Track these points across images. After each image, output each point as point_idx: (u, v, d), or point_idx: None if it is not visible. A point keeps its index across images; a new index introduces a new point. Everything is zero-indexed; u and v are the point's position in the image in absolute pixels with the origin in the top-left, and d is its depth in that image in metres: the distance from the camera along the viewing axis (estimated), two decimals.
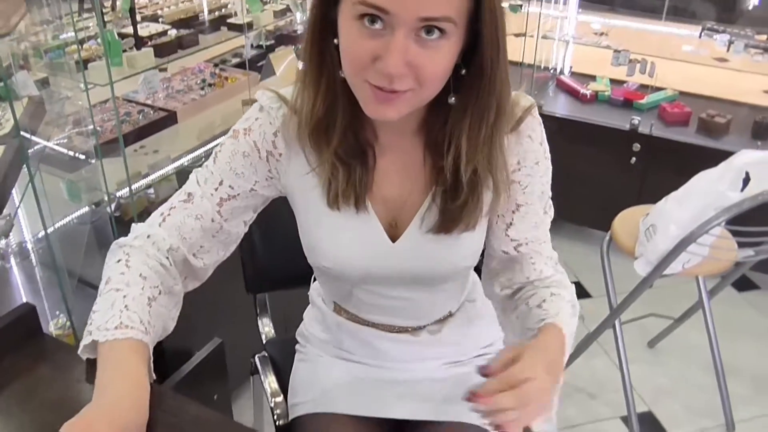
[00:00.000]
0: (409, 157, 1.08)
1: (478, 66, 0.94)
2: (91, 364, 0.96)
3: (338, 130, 1.01)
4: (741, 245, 1.97)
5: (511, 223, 1.14)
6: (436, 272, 1.14)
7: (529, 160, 1.10)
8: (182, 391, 1.14)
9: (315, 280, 1.39)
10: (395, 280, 1.15)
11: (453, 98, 0.97)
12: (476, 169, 1.02)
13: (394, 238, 1.10)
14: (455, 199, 1.04)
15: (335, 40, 0.95)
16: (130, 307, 0.94)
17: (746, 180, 1.85)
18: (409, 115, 0.98)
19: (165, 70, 2.48)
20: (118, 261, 1.01)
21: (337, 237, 1.09)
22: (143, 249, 1.03)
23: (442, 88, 0.96)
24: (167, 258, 1.04)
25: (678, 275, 2.00)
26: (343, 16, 0.91)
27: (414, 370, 1.29)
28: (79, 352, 0.96)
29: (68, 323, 1.76)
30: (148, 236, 1.04)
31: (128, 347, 0.91)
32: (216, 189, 1.06)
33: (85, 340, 0.93)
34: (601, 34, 3.26)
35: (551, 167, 1.15)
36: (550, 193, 1.16)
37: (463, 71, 0.96)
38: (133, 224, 1.07)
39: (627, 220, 2.14)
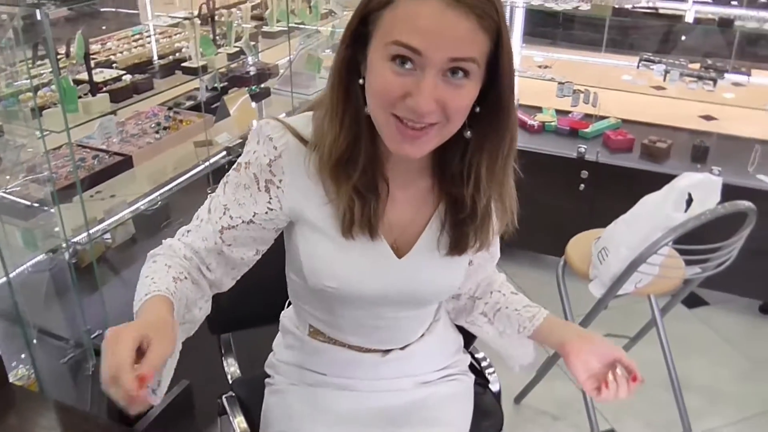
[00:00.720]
0: (418, 187, 1.17)
1: (495, 102, 1.03)
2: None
3: (359, 166, 1.07)
4: (688, 263, 2.05)
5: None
6: (434, 291, 1.24)
7: None
8: None
9: (288, 306, 1.41)
10: (395, 299, 1.20)
11: (469, 132, 1.06)
12: (490, 197, 1.13)
13: (398, 257, 1.17)
14: (471, 224, 1.14)
15: (360, 80, 1.03)
16: (155, 280, 1.06)
17: (689, 201, 1.94)
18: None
19: (116, 113, 2.49)
20: (149, 267, 1.12)
21: (347, 259, 1.15)
22: (167, 254, 1.14)
23: None
24: (186, 263, 1.14)
25: (631, 295, 2.07)
26: (374, 56, 0.99)
27: (385, 390, 1.33)
28: None
29: (31, 373, 1.73)
30: (170, 246, 1.15)
31: (153, 300, 1.02)
32: (220, 217, 1.15)
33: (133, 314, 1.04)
34: (545, 67, 3.38)
35: None
36: None
37: (478, 108, 1.04)
38: (163, 241, 1.19)
39: (580, 245, 2.21)
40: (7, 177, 1.83)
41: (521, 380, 2.45)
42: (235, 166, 1.16)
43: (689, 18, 2.86)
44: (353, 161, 1.07)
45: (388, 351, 1.30)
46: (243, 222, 1.14)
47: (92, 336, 1.88)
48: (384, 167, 1.12)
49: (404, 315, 1.26)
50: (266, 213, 1.14)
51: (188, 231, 1.17)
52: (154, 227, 2.36)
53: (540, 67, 3.40)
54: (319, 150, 1.08)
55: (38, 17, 1.58)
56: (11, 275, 1.91)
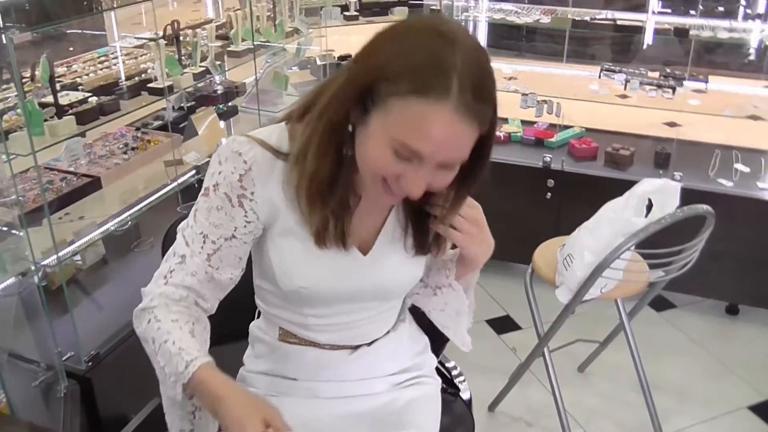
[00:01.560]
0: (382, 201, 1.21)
1: (474, 166, 1.10)
2: None
3: (337, 195, 1.13)
4: (652, 267, 2.10)
5: None
6: (399, 282, 1.29)
7: None
8: None
9: (257, 317, 1.42)
10: (362, 294, 1.25)
11: None
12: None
13: (363, 254, 1.23)
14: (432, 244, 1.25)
15: (349, 126, 1.08)
16: (182, 347, 1.08)
17: (649, 206, 1.99)
18: None
19: (83, 135, 2.49)
20: (149, 321, 1.14)
21: (316, 260, 1.19)
22: (162, 304, 1.14)
23: None
24: (183, 304, 1.16)
25: (598, 299, 2.12)
26: (373, 132, 1.03)
27: (353, 395, 1.35)
28: (179, 396, 1.08)
29: (1, 396, 1.72)
30: (160, 294, 1.15)
31: (205, 370, 1.06)
32: (202, 246, 1.17)
33: (177, 388, 1.07)
34: (511, 78, 3.44)
35: None
36: None
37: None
38: (142, 289, 1.19)
39: (546, 252, 2.25)
40: None
41: (495, 388, 2.48)
42: (202, 192, 1.17)
43: (648, 29, 2.94)
44: (331, 191, 1.12)
45: (356, 348, 1.33)
46: (225, 240, 1.18)
47: (63, 358, 1.88)
48: (356, 186, 1.18)
49: (371, 311, 1.30)
50: (245, 226, 1.18)
51: (171, 271, 1.17)
52: (124, 248, 2.37)
53: (507, 78, 3.46)
54: (297, 170, 1.12)
55: (3, 41, 1.59)
56: None
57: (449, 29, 1.00)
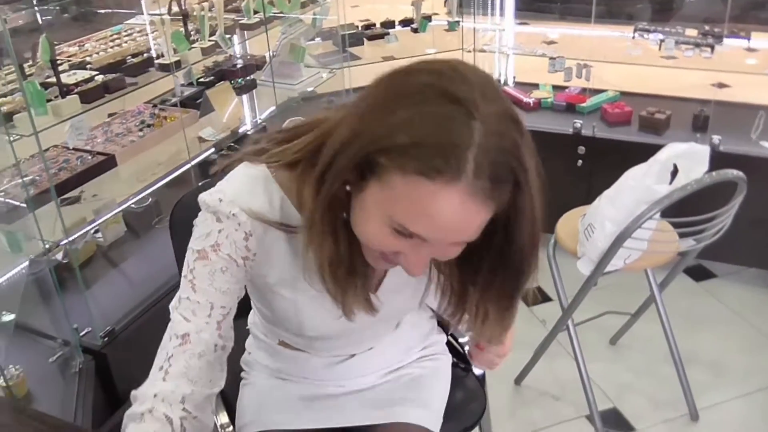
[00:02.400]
0: None
1: (504, 252, 0.94)
2: None
3: (360, 270, 1.00)
4: (682, 235, 2.00)
5: None
6: (405, 310, 1.25)
7: None
8: None
9: (254, 314, 1.40)
10: (364, 325, 1.14)
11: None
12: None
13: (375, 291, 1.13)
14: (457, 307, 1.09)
15: (347, 187, 0.91)
16: None
17: (674, 172, 1.89)
18: None
19: (112, 114, 2.51)
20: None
21: (326, 313, 1.10)
22: (154, 416, 0.93)
23: None
24: (183, 410, 0.95)
25: (623, 270, 2.03)
26: (370, 205, 0.88)
27: (356, 376, 1.33)
28: None
29: (20, 372, 1.75)
30: (155, 395, 0.94)
31: None
32: (209, 315, 0.99)
33: None
34: (550, 42, 3.32)
35: None
36: None
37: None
38: (132, 392, 0.98)
39: (568, 222, 2.17)
40: None
41: (522, 361, 2.43)
42: (197, 255, 1.00)
43: None
44: (355, 268, 1.00)
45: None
46: (234, 303, 1.04)
47: (81, 334, 1.91)
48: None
49: (377, 329, 1.27)
50: (247, 281, 1.08)
51: (169, 358, 0.96)
52: (145, 225, 2.38)
53: (545, 43, 3.35)
54: (312, 250, 0.97)
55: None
56: (2, 279, 1.96)
57: (467, 92, 0.83)
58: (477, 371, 1.63)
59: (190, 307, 0.99)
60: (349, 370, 1.31)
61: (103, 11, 3.36)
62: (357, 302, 1.03)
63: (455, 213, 0.83)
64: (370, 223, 0.90)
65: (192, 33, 2.33)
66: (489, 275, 0.99)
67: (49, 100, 1.81)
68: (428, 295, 1.19)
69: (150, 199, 2.34)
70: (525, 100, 3.13)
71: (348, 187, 0.91)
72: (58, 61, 2.00)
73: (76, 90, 1.90)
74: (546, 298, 2.86)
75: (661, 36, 2.85)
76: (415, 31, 3.23)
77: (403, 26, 3.23)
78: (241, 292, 1.06)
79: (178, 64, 2.19)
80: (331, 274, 0.98)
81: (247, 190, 1.02)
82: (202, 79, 2.58)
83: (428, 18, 3.27)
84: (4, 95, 1.87)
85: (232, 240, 1.00)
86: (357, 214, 0.92)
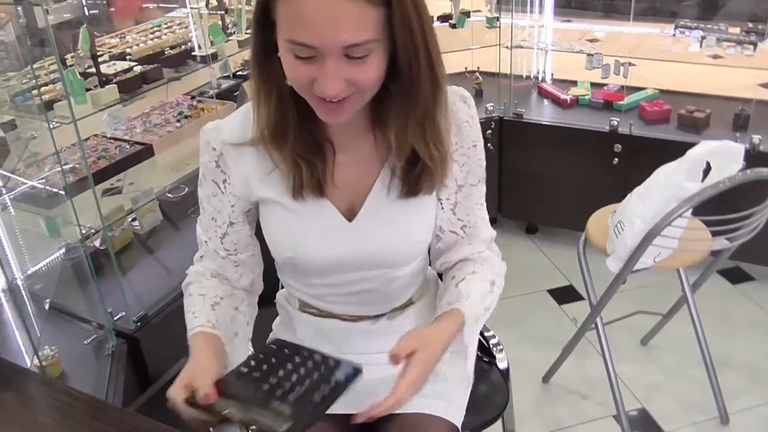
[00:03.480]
0: (362, 147, 1.19)
1: (401, 65, 1.03)
2: None
3: (293, 132, 1.11)
4: (715, 234, 1.96)
5: (456, 203, 1.26)
6: (391, 249, 1.23)
7: (466, 142, 1.22)
8: (152, 410, 1.19)
9: (282, 288, 1.44)
10: (354, 262, 1.22)
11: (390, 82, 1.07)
12: (427, 144, 1.13)
13: (351, 221, 1.20)
14: (411, 171, 1.16)
15: (278, 53, 1.04)
16: (197, 314, 1.20)
17: (707, 170, 1.86)
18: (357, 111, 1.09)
19: (155, 108, 2.57)
20: (189, 295, 1.26)
21: (299, 227, 1.19)
22: (197, 281, 1.27)
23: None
24: (215, 281, 1.28)
25: (653, 268, 2.01)
26: (280, 44, 1.02)
27: (380, 364, 1.33)
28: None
29: (55, 352, 1.81)
30: (195, 272, 1.29)
31: (194, 339, 1.17)
32: (215, 231, 1.25)
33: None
34: (592, 40, 3.28)
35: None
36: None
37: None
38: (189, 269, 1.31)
39: (599, 219, 2.15)
40: (31, 168, 1.92)
41: (551, 359, 2.42)
42: (199, 183, 1.25)
43: None
44: (287, 129, 1.11)
45: (375, 319, 1.32)
46: (227, 225, 1.24)
47: (115, 318, 1.97)
48: (324, 130, 1.16)
49: (376, 280, 1.26)
50: (232, 209, 1.23)
51: (201, 256, 1.29)
52: (181, 213, 2.44)
53: (588, 41, 3.31)
54: (259, 125, 1.13)
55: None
56: (41, 263, 2.03)
57: None
58: (501, 365, 1.64)
59: (203, 222, 1.27)
60: (370, 342, 1.32)
61: (145, 5, 3.44)
62: (310, 186, 1.15)
63: (324, 7, 0.93)
64: (284, 62, 1.02)
65: (229, 26, 2.38)
66: (395, 96, 1.08)
67: (88, 90, 1.87)
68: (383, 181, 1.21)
69: (186, 189, 2.40)
70: (562, 97, 3.10)
71: (279, 54, 1.03)
72: (100, 53, 2.06)
73: (114, 80, 1.95)
74: (578, 297, 2.85)
75: (702, 33, 2.79)
76: (453, 26, 3.22)
77: (441, 22, 3.23)
78: (234, 214, 1.23)
79: (215, 57, 2.24)
80: (268, 136, 1.11)
81: (231, 117, 1.21)
82: (239, 72, 2.63)
83: (467, 14, 3.26)
84: (46, 84, 1.94)
85: (210, 169, 1.20)
86: (283, 65, 1.03)
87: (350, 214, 1.20)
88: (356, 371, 1.07)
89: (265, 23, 1.03)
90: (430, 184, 1.18)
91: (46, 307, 1.91)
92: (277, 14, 0.99)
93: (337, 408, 1.30)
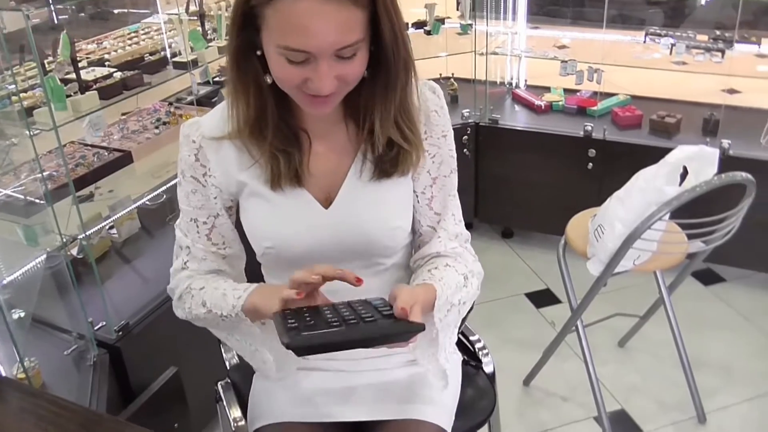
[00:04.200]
0: (336, 136, 1.23)
1: (384, 58, 1.11)
2: None
3: (271, 126, 1.16)
4: (691, 237, 2.01)
5: (432, 196, 1.29)
6: (369, 234, 1.24)
7: (435, 132, 1.27)
8: (140, 421, 1.17)
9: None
10: (334, 251, 1.23)
11: (367, 73, 1.13)
12: (401, 128, 1.19)
13: (328, 208, 1.23)
14: (386, 155, 1.20)
15: (257, 52, 1.09)
16: (226, 291, 1.19)
17: (684, 175, 1.90)
18: None
19: (126, 113, 2.54)
20: (192, 297, 1.24)
21: (278, 216, 1.22)
22: (194, 280, 1.26)
23: None
24: (208, 274, 1.28)
25: (633, 271, 2.04)
26: (267, 48, 1.06)
27: (370, 370, 1.34)
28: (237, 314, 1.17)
29: (35, 364, 1.77)
30: (188, 276, 1.27)
31: (250, 297, 1.16)
32: (197, 231, 1.26)
33: (241, 315, 1.16)
34: (561, 47, 3.33)
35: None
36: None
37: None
38: (168, 287, 1.31)
39: (578, 223, 2.19)
40: (7, 176, 1.88)
41: (531, 362, 2.44)
42: (177, 183, 1.26)
43: None
44: (265, 124, 1.15)
45: None
46: (214, 218, 1.25)
47: (95, 328, 1.93)
48: (300, 120, 1.21)
49: (357, 271, 1.21)
50: (215, 201, 1.24)
51: (185, 263, 1.27)
52: (159, 221, 2.41)
53: (556, 47, 3.36)
54: (236, 121, 1.16)
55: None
56: (18, 272, 1.98)
57: None
58: (487, 369, 1.65)
59: (183, 226, 1.26)
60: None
61: (118, 11, 3.40)
62: (287, 176, 1.18)
63: (315, 13, 0.98)
64: (273, 64, 1.06)
65: (209, 32, 2.36)
66: (374, 83, 1.14)
67: (68, 96, 1.84)
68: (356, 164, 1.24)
69: (164, 196, 2.37)
70: (536, 103, 3.14)
71: (258, 52, 1.09)
72: (78, 58, 2.03)
73: (95, 86, 1.93)
74: (555, 300, 2.88)
75: (672, 41, 2.86)
76: (428, 33, 3.25)
77: (416, 28, 3.25)
78: (218, 206, 1.24)
79: (194, 63, 2.22)
80: (245, 132, 1.15)
81: (210, 113, 1.24)
82: (217, 78, 2.61)
83: (441, 21, 3.29)
84: (25, 90, 1.90)
85: (189, 163, 1.21)
86: (269, 64, 1.08)
87: (327, 203, 1.23)
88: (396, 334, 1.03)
89: (245, 26, 1.07)
90: (406, 166, 1.22)
91: (19, 316, 1.86)
92: (265, 20, 1.03)
93: (345, 416, 1.31)
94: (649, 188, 1.85)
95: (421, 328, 1.02)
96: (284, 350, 1.15)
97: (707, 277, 2.94)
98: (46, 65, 1.96)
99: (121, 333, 1.93)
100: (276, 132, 1.17)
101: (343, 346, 0.99)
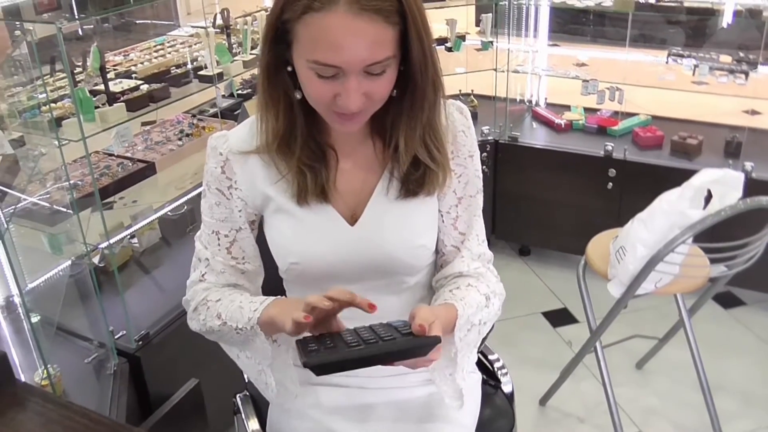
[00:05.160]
0: (363, 153, 1.24)
1: (411, 75, 1.11)
2: None
3: (299, 141, 1.16)
4: (713, 261, 2.00)
5: (457, 216, 1.29)
6: (393, 252, 1.24)
7: (462, 152, 1.27)
8: None
9: None
10: (358, 268, 1.23)
11: (395, 92, 1.13)
12: (428, 147, 1.19)
13: (353, 225, 1.23)
14: (413, 174, 1.20)
15: (288, 68, 1.10)
16: (242, 303, 1.19)
17: (709, 198, 1.89)
18: None
19: (151, 123, 2.57)
20: (207, 308, 1.24)
21: (303, 232, 1.22)
22: (211, 293, 1.25)
23: None
24: (225, 287, 1.28)
25: (653, 294, 2.03)
26: (298, 63, 1.07)
27: (390, 387, 1.34)
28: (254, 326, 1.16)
29: (57, 371, 1.79)
30: (204, 289, 1.26)
31: (266, 310, 1.15)
32: (218, 243, 1.25)
33: (256, 329, 1.15)
34: (581, 65, 3.33)
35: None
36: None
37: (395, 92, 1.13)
38: (184, 299, 1.31)
39: (599, 244, 2.18)
40: (34, 185, 1.90)
41: (547, 382, 2.43)
42: (201, 195, 1.26)
43: (727, 10, 2.78)
44: (294, 139, 1.16)
45: None
46: (236, 231, 1.25)
47: (115, 337, 1.94)
48: (328, 137, 1.21)
49: (382, 290, 1.27)
50: (240, 215, 1.24)
51: (203, 275, 1.27)
52: (180, 232, 2.42)
53: (576, 65, 3.36)
54: (265, 135, 1.17)
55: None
56: (41, 279, 2.00)
57: None
58: (506, 389, 1.64)
59: (204, 238, 1.26)
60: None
61: (140, 22, 3.44)
62: (314, 192, 1.19)
63: (346, 28, 0.99)
64: (303, 78, 1.07)
65: (234, 46, 2.39)
66: (401, 101, 1.14)
67: (96, 107, 1.86)
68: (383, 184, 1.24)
69: (185, 207, 2.38)
70: (556, 121, 3.14)
71: (289, 68, 1.09)
72: (107, 70, 2.05)
73: (122, 98, 1.95)
74: (572, 320, 2.87)
75: (694, 61, 2.85)
76: (449, 50, 3.26)
77: (437, 45, 3.26)
78: (241, 219, 1.24)
79: (219, 76, 2.25)
80: (273, 145, 1.16)
81: (238, 128, 1.24)
82: (240, 91, 2.64)
83: (462, 37, 3.30)
84: (54, 101, 1.93)
85: (215, 176, 1.22)
86: (299, 79, 1.09)
87: (352, 219, 1.23)
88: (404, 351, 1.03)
89: (277, 41, 1.08)
90: (432, 186, 1.22)
91: (38, 320, 1.88)
92: (296, 35, 1.04)
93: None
94: (673, 211, 1.85)
95: (437, 340, 1.02)
96: (286, 376, 1.16)
97: (727, 301, 2.92)
98: (75, 76, 1.99)
99: (141, 342, 1.94)
100: (304, 147, 1.17)
101: (359, 364, 0.99)
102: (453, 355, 1.18)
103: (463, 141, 1.26)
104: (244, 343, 1.22)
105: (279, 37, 1.07)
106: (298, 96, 1.12)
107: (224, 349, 1.32)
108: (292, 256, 1.23)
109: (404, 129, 1.17)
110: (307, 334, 1.07)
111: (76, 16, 2.45)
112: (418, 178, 1.21)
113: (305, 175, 1.18)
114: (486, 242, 1.35)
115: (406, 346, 1.02)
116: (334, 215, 1.22)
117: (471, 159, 1.28)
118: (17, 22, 1.75)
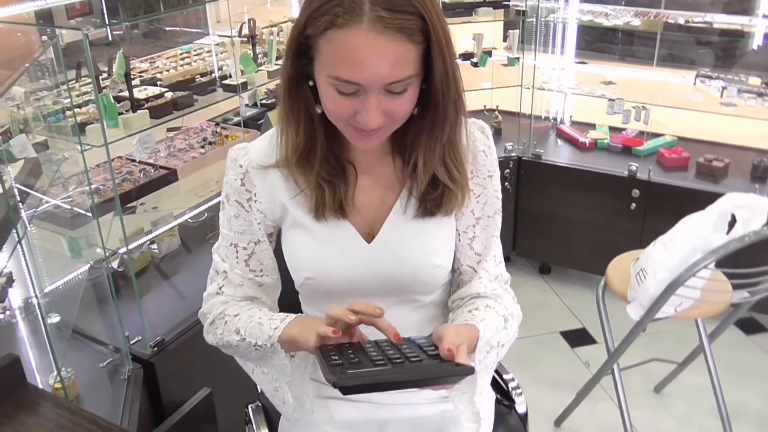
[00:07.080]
0: (382, 170, 1.23)
1: (433, 94, 1.09)
2: None
3: (319, 156, 1.16)
4: (736, 287, 1.96)
5: (474, 236, 1.28)
6: (409, 271, 1.23)
7: (482, 172, 1.25)
8: None
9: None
10: (373, 285, 1.22)
11: (417, 110, 1.12)
12: (447, 166, 1.18)
13: (370, 242, 1.22)
14: (431, 193, 1.19)
15: (310, 82, 1.10)
16: (262, 319, 1.18)
17: (732, 222, 1.86)
18: None
19: (176, 129, 2.59)
20: (225, 323, 1.23)
21: (319, 247, 1.21)
22: (229, 306, 1.25)
23: None
24: (243, 301, 1.27)
25: (673, 318, 2.00)
26: (319, 78, 1.07)
27: (403, 404, 1.33)
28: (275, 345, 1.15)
29: (71, 374, 1.80)
30: (222, 302, 1.26)
31: (287, 329, 1.14)
32: (236, 256, 1.25)
33: (277, 347, 1.15)
34: (608, 83, 3.30)
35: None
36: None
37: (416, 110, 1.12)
38: (200, 311, 1.31)
39: (620, 265, 2.15)
40: (56, 188, 1.92)
41: (563, 402, 2.40)
42: (220, 207, 1.26)
43: (758, 33, 2.75)
44: (313, 154, 1.16)
45: None
46: (255, 244, 1.25)
47: (131, 342, 1.95)
48: (347, 152, 1.21)
49: (397, 309, 1.24)
50: (259, 227, 1.24)
51: (221, 287, 1.27)
52: (199, 239, 2.44)
53: (604, 83, 3.33)
54: (285, 149, 1.17)
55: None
56: (59, 282, 2.02)
57: None
58: (520, 409, 1.62)
59: (222, 250, 1.26)
60: None
61: (170, 28, 3.47)
62: (332, 207, 1.18)
63: (368, 46, 0.98)
64: (323, 94, 1.06)
65: (259, 56, 2.40)
66: (422, 120, 1.13)
67: (120, 114, 1.88)
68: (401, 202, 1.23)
69: (206, 215, 2.40)
70: (581, 139, 3.12)
71: (311, 82, 1.09)
72: (132, 77, 2.07)
73: (146, 105, 1.97)
74: (590, 341, 2.83)
75: (723, 83, 2.82)
76: (475, 65, 3.25)
77: (463, 60, 3.25)
78: (260, 232, 1.24)
79: (243, 86, 2.26)
80: (292, 159, 1.16)
81: (258, 141, 1.24)
82: (264, 101, 2.65)
83: (488, 53, 3.29)
84: (79, 106, 1.95)
85: (234, 188, 1.21)
86: (320, 94, 1.08)
87: (369, 237, 1.22)
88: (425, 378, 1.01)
89: (300, 55, 1.08)
90: (450, 207, 1.21)
91: (54, 321, 1.89)
92: (318, 50, 1.04)
93: None
94: (696, 235, 1.82)
95: (470, 370, 1.00)
96: (304, 393, 1.15)
97: (749, 326, 2.87)
98: (101, 83, 2.01)
99: (156, 349, 1.95)
100: (323, 162, 1.17)
101: (390, 387, 0.97)
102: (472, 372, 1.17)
103: (483, 161, 1.25)
104: (261, 359, 1.22)
105: (301, 51, 1.07)
106: (319, 111, 1.12)
107: (239, 362, 1.31)
108: (307, 271, 1.23)
109: (424, 148, 1.16)
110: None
111: (107, 22, 2.48)
112: (436, 197, 1.20)
113: (323, 190, 1.18)
114: (503, 263, 1.33)
115: (439, 373, 1.00)
116: (351, 232, 1.21)
117: (490, 179, 1.27)
118: (47, 28, 1.77)
